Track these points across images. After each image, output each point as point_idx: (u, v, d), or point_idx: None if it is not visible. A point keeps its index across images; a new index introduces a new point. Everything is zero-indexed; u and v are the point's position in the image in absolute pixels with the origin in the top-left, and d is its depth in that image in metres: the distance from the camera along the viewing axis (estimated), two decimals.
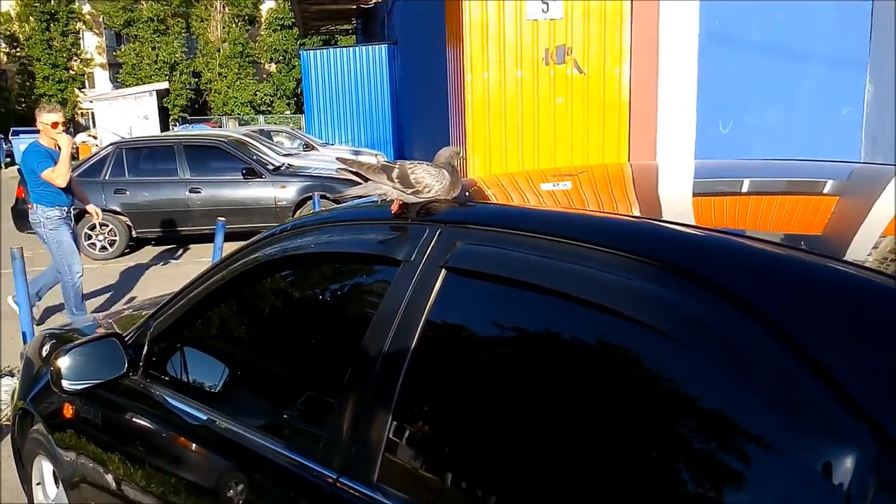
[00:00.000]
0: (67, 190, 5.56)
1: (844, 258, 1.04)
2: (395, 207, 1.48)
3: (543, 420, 1.14)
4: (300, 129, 22.81)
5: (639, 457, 1.01)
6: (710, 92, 6.65)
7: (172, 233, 9.47)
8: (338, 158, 1.49)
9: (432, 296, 1.29)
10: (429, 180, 1.44)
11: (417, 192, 1.44)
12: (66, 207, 5.60)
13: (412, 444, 1.28)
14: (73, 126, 38.75)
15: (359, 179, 1.50)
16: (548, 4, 6.48)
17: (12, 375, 4.75)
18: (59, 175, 5.33)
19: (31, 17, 36.93)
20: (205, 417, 1.71)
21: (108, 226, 9.19)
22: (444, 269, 1.30)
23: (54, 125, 5.46)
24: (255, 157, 9.85)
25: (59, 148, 5.43)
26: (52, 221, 5.49)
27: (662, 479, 0.97)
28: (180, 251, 9.44)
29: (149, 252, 9.60)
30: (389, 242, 1.44)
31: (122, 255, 9.31)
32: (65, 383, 1.91)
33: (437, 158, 1.49)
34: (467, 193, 1.54)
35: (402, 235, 1.43)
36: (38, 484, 2.65)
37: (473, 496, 1.18)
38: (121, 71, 39.40)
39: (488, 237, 1.29)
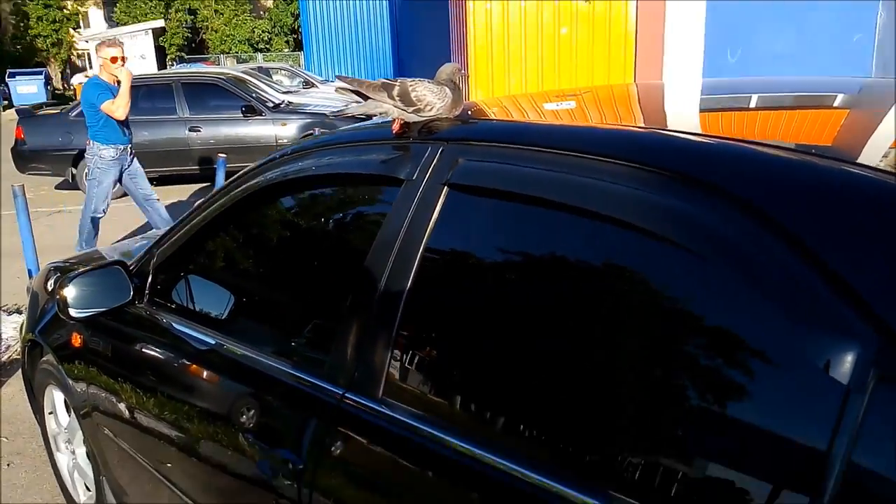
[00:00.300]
0: (126, 128, 5.57)
1: (850, 160, 1.02)
2: (395, 127, 1.45)
3: (549, 335, 1.15)
4: (299, 66, 22.42)
5: (649, 363, 1.01)
6: (718, 20, 6.49)
7: (173, 172, 9.42)
8: (337, 77, 1.46)
9: (435, 214, 1.28)
10: (430, 98, 1.41)
11: (419, 111, 1.42)
12: (121, 146, 5.61)
13: (416, 362, 1.29)
14: (69, 67, 38.15)
15: (359, 98, 1.47)
16: None
17: (20, 312, 4.80)
18: (118, 107, 5.35)
19: None
20: (212, 342, 1.73)
21: None
22: (446, 187, 1.29)
23: (113, 59, 5.44)
24: (254, 95, 9.72)
25: (119, 83, 5.44)
26: (103, 161, 5.54)
27: (671, 382, 0.98)
28: (182, 190, 9.41)
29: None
30: (391, 162, 1.43)
31: (125, 194, 9.27)
32: (72, 311, 1.92)
33: (439, 75, 1.46)
34: (469, 113, 1.51)
35: (404, 154, 1.41)
36: (50, 413, 2.71)
37: (478, 411, 1.19)
38: (115, 9, 38.50)
39: (492, 153, 1.27)
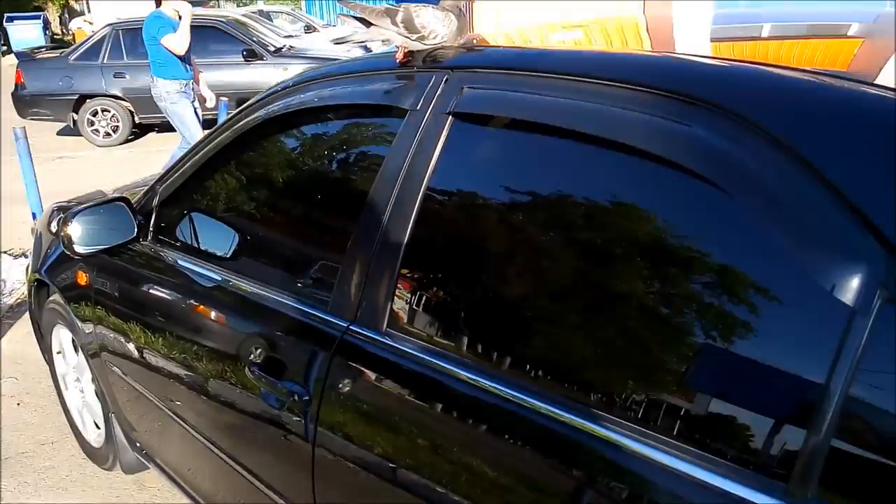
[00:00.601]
0: (187, 64, 5.59)
1: (861, 80, 1.00)
2: (399, 55, 1.42)
3: (554, 265, 1.14)
4: (301, 10, 21.96)
5: (655, 290, 1.00)
6: None
7: None
8: (339, 2, 1.42)
9: (440, 144, 1.26)
10: (435, 25, 1.37)
11: (423, 38, 1.38)
12: (185, 81, 5.66)
13: (420, 294, 1.29)
14: (66, 11, 37.46)
15: (362, 25, 1.43)
16: None
17: (26, 257, 4.82)
18: (178, 41, 5.28)
19: None
20: (218, 278, 1.73)
21: (109, 111, 9.06)
22: (451, 116, 1.26)
23: None
24: (255, 39, 9.54)
25: (181, 17, 5.43)
26: (171, 95, 5.59)
27: (676, 307, 0.97)
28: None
29: (153, 138, 9.52)
30: (394, 91, 1.40)
31: (127, 141, 9.23)
32: (77, 247, 1.92)
33: (443, 1, 1.41)
34: (474, 41, 1.47)
35: (408, 83, 1.39)
36: (58, 353, 2.74)
37: (482, 342, 1.19)
38: None
39: (498, 80, 1.24)
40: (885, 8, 1.56)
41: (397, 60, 1.43)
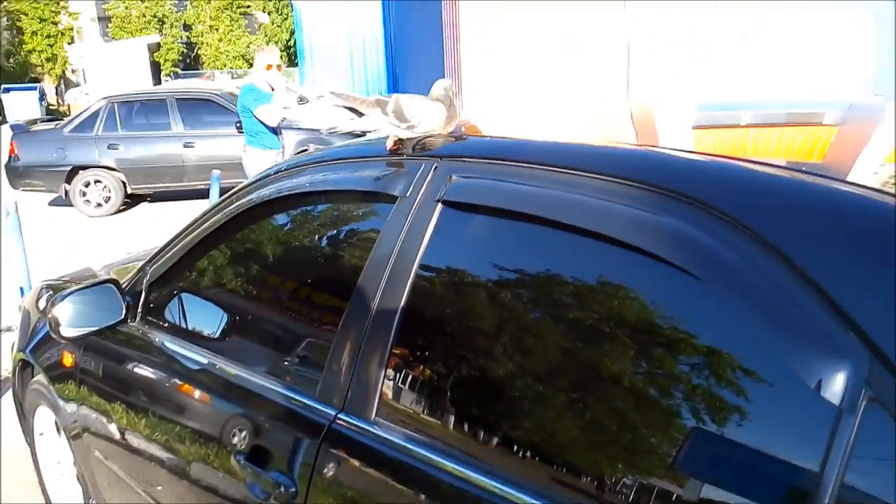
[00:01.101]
0: (277, 134, 5.66)
1: (841, 179, 1.03)
2: (389, 143, 1.45)
3: (543, 354, 1.14)
4: (294, 81, 22.48)
5: (641, 382, 1.01)
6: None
7: (167, 188, 9.40)
8: (331, 93, 1.46)
9: (429, 231, 1.28)
10: (424, 114, 1.41)
11: (413, 127, 1.41)
12: (275, 150, 5.69)
13: (409, 381, 1.28)
14: (63, 82, 38.16)
15: (353, 115, 1.47)
16: None
17: (10, 330, 4.77)
18: (270, 114, 5.35)
19: None
20: (205, 361, 1.71)
21: (102, 182, 9.13)
22: (440, 204, 1.28)
23: (268, 66, 5.53)
24: None
25: (273, 89, 5.50)
26: (262, 164, 5.57)
27: (664, 400, 0.97)
28: (177, 207, 9.39)
29: (145, 209, 9.57)
30: (385, 178, 1.42)
31: (118, 212, 9.27)
32: (63, 330, 1.90)
33: (433, 91, 1.46)
34: (463, 129, 1.51)
35: (398, 171, 1.41)
36: (40, 434, 2.68)
37: (470, 431, 1.18)
38: (110, 25, 38.62)
39: (485, 169, 1.27)
40: (857, 97, 1.62)
41: (388, 148, 1.46)
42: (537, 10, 6.35)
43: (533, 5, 6.28)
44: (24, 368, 2.68)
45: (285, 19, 38.16)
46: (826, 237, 0.86)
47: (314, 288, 1.62)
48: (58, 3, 37.37)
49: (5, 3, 36.61)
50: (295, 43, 20.31)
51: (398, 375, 1.29)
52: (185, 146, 9.19)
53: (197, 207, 8.60)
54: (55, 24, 37.33)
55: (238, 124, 9.22)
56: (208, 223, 1.83)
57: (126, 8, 37.98)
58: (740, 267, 0.89)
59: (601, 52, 6.48)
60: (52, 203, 9.89)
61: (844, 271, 0.82)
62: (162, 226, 7.26)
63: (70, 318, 1.90)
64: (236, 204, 1.75)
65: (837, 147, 1.32)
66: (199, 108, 9.53)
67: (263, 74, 5.51)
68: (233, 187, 1.85)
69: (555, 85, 6.44)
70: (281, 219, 1.77)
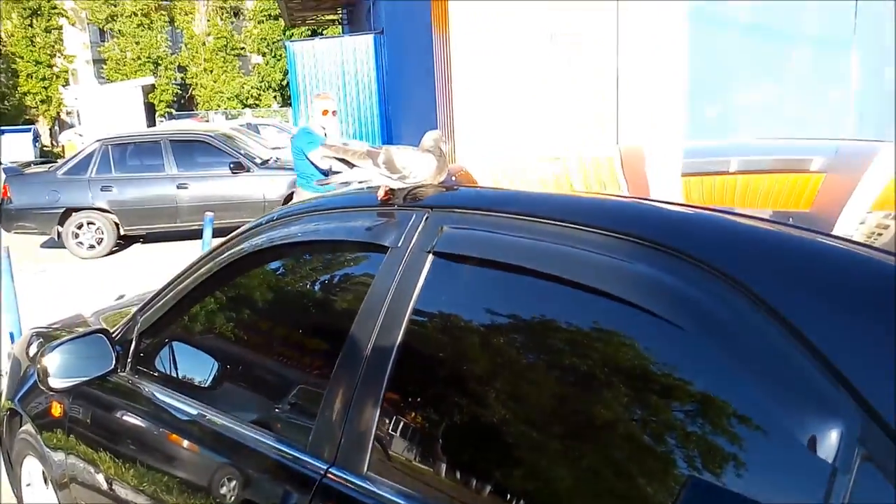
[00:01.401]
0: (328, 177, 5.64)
1: (831, 233, 1.03)
2: (381, 193, 1.46)
3: (534, 406, 1.13)
4: (288, 122, 22.68)
5: (630, 436, 1.00)
6: (698, 73, 6.64)
7: (161, 229, 9.41)
8: (322, 145, 1.47)
9: (420, 282, 1.28)
10: (414, 165, 1.42)
11: (403, 178, 1.42)
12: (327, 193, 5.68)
13: (402, 433, 1.27)
14: (57, 124, 38.35)
15: (344, 166, 1.48)
16: None
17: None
18: (323, 157, 5.39)
19: (13, 14, 36.43)
20: (194, 412, 1.69)
21: (95, 223, 9.12)
22: (431, 255, 1.28)
23: (324, 112, 5.61)
24: (242, 152, 9.79)
25: (327, 134, 5.56)
26: None
27: (654, 455, 0.96)
28: (169, 248, 9.38)
29: (138, 250, 9.55)
30: (376, 229, 1.43)
31: (110, 253, 9.25)
32: (52, 381, 1.88)
33: (423, 143, 1.47)
34: (454, 178, 1.52)
35: (389, 221, 1.42)
36: (27, 485, 2.63)
37: (464, 485, 1.17)
38: (105, 67, 39.02)
39: (476, 220, 1.27)
40: (843, 143, 1.64)
41: (379, 198, 1.46)
42: (525, 16, 6.45)
43: (522, 5, 6.40)
44: (11, 418, 2.65)
45: (279, 60, 38.69)
46: (817, 292, 0.86)
47: (306, 339, 1.61)
48: (53, 46, 37.78)
49: (0, 47, 37.01)
50: (288, 84, 20.52)
51: (391, 428, 1.28)
52: (178, 187, 9.22)
53: (190, 248, 8.62)
54: (50, 66, 37.68)
55: (232, 165, 9.32)
56: (200, 272, 1.83)
57: (121, 50, 38.42)
58: (729, 321, 0.89)
59: (594, 57, 6.57)
60: (45, 245, 9.87)
61: (836, 329, 0.82)
62: (154, 267, 7.24)
63: (59, 369, 1.88)
64: (228, 253, 1.75)
65: (824, 194, 1.33)
66: (192, 150, 9.59)
67: (319, 119, 5.63)
68: (226, 228, 1.85)
69: (546, 102, 6.53)
70: (273, 268, 1.77)
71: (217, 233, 6.25)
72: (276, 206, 9.09)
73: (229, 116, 33.11)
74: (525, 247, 1.16)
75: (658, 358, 0.99)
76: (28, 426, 2.43)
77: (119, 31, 38.74)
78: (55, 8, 38.17)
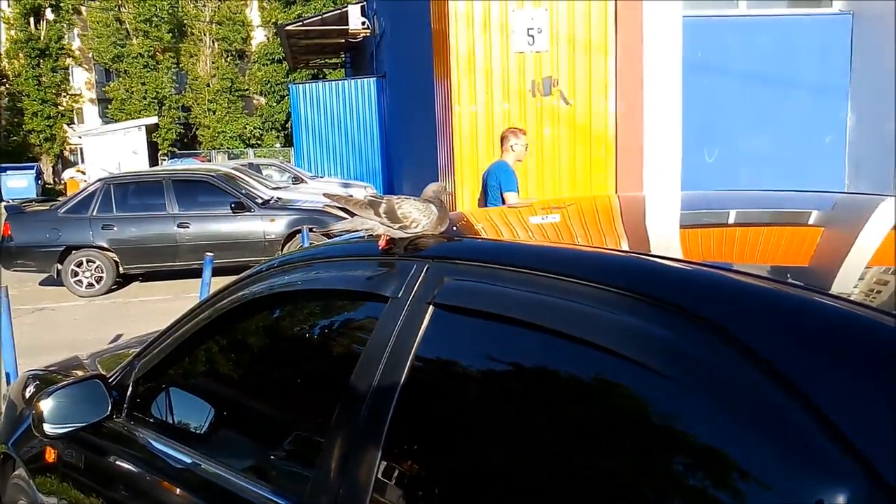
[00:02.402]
0: None
1: (832, 290, 1.04)
2: (382, 243, 1.46)
3: (535, 457, 1.12)
4: (289, 161, 22.87)
5: (630, 493, 0.99)
6: (694, 120, 6.73)
7: (160, 268, 9.42)
8: (325, 194, 1.48)
9: (420, 332, 1.28)
10: (416, 215, 1.43)
11: (405, 227, 1.43)
12: None
13: (402, 484, 1.26)
14: (61, 162, 38.67)
15: (346, 215, 1.49)
16: (533, 37, 6.57)
17: None
18: (516, 200, 5.28)
19: (20, 54, 37.02)
20: (189, 461, 1.68)
21: (94, 262, 9.13)
22: (431, 306, 1.29)
23: (526, 147, 5.55)
24: (243, 191, 9.85)
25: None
26: None
27: None
28: (168, 287, 9.37)
29: (136, 289, 9.54)
30: (376, 279, 1.43)
31: (109, 291, 9.24)
32: (46, 427, 1.86)
33: (425, 193, 1.48)
34: (455, 228, 1.53)
35: (390, 271, 1.42)
36: None
37: None
38: (110, 106, 39.49)
39: (476, 272, 1.28)
40: (841, 196, 1.65)
41: (380, 247, 1.47)
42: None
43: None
44: (4, 461, 2.61)
45: (281, 102, 39.21)
46: (820, 354, 0.86)
47: (304, 388, 1.61)
48: (59, 86, 38.29)
49: (7, 85, 37.50)
50: (291, 124, 20.75)
51: (390, 479, 1.26)
52: (179, 226, 9.26)
53: (188, 286, 8.58)
54: (56, 105, 38.14)
55: (233, 204, 9.37)
56: (199, 318, 1.82)
57: (126, 90, 38.93)
58: (730, 380, 0.88)
59: (590, 104, 6.65)
60: (43, 283, 9.85)
61: (839, 390, 0.82)
62: (151, 307, 7.22)
63: (54, 415, 1.86)
64: (228, 299, 1.75)
65: (823, 249, 1.34)
66: (194, 189, 9.65)
67: (520, 154, 5.50)
68: (226, 267, 1.85)
69: (544, 149, 6.59)
70: (272, 316, 1.77)
71: (218, 272, 6.26)
72: (277, 245, 9.15)
73: (231, 156, 33.39)
74: (525, 300, 1.16)
75: (657, 413, 0.99)
76: (21, 470, 2.40)
77: (125, 71, 39.31)
78: (63, 48, 38.80)
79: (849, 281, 1.15)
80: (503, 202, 5.29)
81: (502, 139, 5.59)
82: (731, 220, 1.58)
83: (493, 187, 5.46)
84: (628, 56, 6.55)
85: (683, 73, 6.59)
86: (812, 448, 0.80)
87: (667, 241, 1.50)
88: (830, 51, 6.85)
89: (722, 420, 0.89)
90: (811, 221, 1.53)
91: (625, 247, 1.47)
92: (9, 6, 37.62)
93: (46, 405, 1.86)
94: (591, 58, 6.55)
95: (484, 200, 5.61)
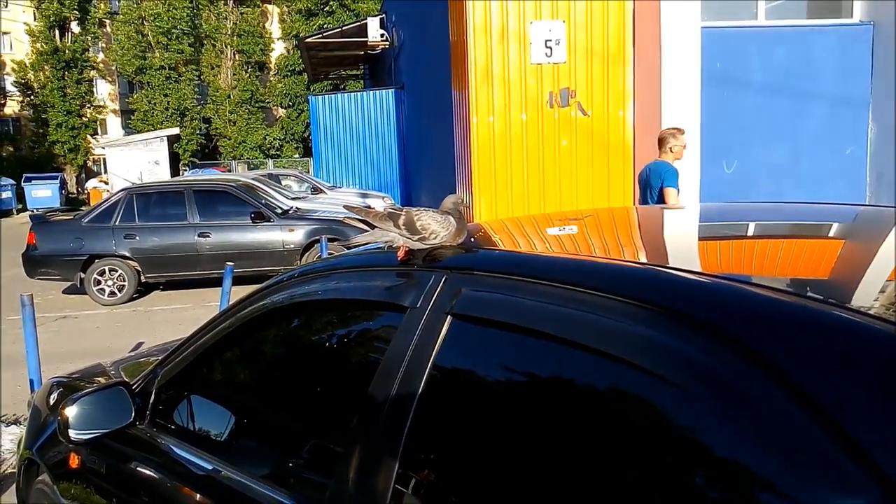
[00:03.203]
0: None
1: (850, 303, 1.04)
2: (401, 254, 1.48)
3: (552, 467, 1.13)
4: (308, 172, 23.04)
5: (648, 498, 0.99)
6: (713, 132, 6.70)
7: (181, 277, 9.52)
8: (345, 206, 1.51)
9: (438, 343, 1.29)
10: (434, 227, 1.45)
11: (423, 239, 1.45)
12: None
13: (419, 492, 1.27)
14: (84, 172, 39.22)
15: (365, 227, 1.51)
16: (551, 49, 6.59)
17: (18, 423, 4.73)
18: (675, 198, 5.31)
19: (45, 66, 37.69)
20: (210, 468, 1.70)
21: (117, 270, 9.25)
22: (449, 316, 1.30)
23: (685, 147, 5.55)
24: (263, 201, 9.94)
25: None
26: None
27: None
28: (189, 296, 9.46)
29: (157, 297, 9.64)
30: (395, 289, 1.45)
31: (131, 300, 9.35)
32: (72, 433, 1.90)
33: (444, 205, 1.50)
34: (473, 239, 1.54)
35: (408, 282, 1.44)
36: None
37: None
38: (133, 117, 40.04)
39: (494, 283, 1.29)
40: (862, 209, 1.64)
41: (399, 258, 1.49)
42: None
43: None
44: (29, 467, 2.65)
45: (301, 113, 39.53)
46: (834, 366, 0.86)
47: (324, 397, 1.62)
48: (83, 97, 38.89)
49: (32, 97, 38.14)
50: (311, 135, 20.91)
51: (408, 488, 1.27)
52: (199, 236, 9.36)
53: (208, 295, 8.65)
54: (80, 116, 38.72)
55: (252, 214, 9.46)
56: (221, 327, 1.85)
57: (149, 102, 39.46)
58: (748, 393, 0.89)
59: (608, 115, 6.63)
60: (66, 291, 9.99)
61: (857, 404, 0.82)
62: (172, 315, 7.28)
63: (79, 422, 1.90)
64: (249, 309, 1.78)
65: (843, 262, 1.33)
66: (215, 199, 9.76)
67: (671, 156, 5.47)
68: (246, 276, 1.88)
69: (563, 160, 6.58)
70: (292, 326, 1.79)
71: (237, 281, 6.31)
72: (296, 254, 9.22)
73: (251, 166, 33.68)
74: (542, 311, 1.17)
75: (674, 425, 0.99)
76: (45, 476, 2.43)
77: (148, 83, 39.86)
78: (88, 61, 39.42)
79: (869, 294, 1.15)
80: (663, 201, 5.25)
81: (660, 141, 5.56)
82: (750, 233, 1.58)
83: (655, 187, 5.41)
84: (646, 67, 6.54)
85: (702, 84, 6.57)
86: (826, 458, 0.80)
87: (685, 253, 1.51)
88: (851, 61, 6.80)
89: (737, 431, 0.89)
90: (831, 234, 1.52)
91: (643, 258, 1.47)
92: (35, 19, 38.34)
93: (72, 411, 1.89)
94: (609, 69, 6.56)
95: (644, 199, 5.58)
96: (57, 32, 38.30)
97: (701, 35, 6.53)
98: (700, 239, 1.58)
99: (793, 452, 0.83)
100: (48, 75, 37.91)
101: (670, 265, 1.23)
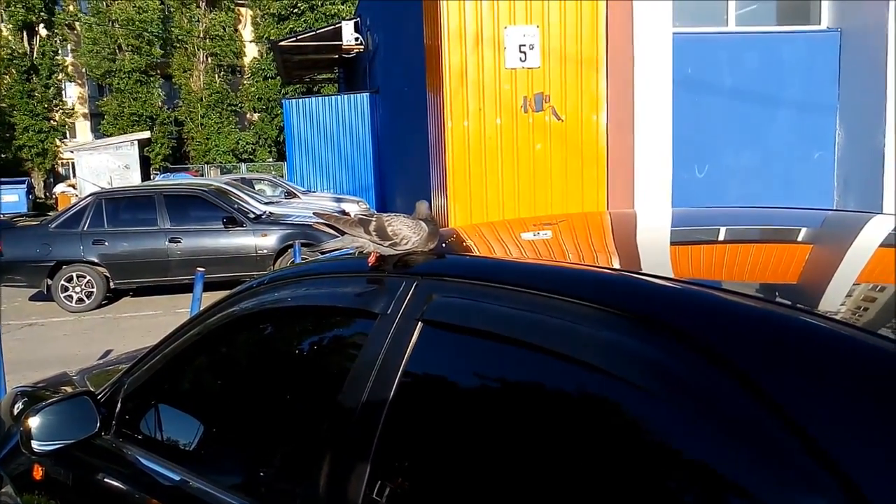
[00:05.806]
0: None
1: (818, 308, 1.04)
2: (371, 260, 1.47)
3: (522, 472, 1.12)
4: (282, 176, 22.88)
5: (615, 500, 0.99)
6: (684, 136, 6.78)
7: (151, 283, 9.38)
8: (314, 213, 1.48)
9: (409, 349, 1.28)
10: (406, 232, 1.43)
11: (395, 245, 1.44)
12: None
13: (390, 499, 1.25)
14: (52, 176, 38.56)
15: (337, 233, 1.49)
16: (525, 54, 6.62)
17: None
18: None
19: (11, 69, 36.99)
20: (178, 478, 1.66)
21: (85, 277, 9.09)
22: (420, 322, 1.29)
23: None
24: (235, 206, 9.83)
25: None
26: None
27: None
28: (159, 302, 9.33)
29: (127, 303, 9.49)
30: (366, 296, 1.43)
31: (100, 306, 9.19)
32: (35, 444, 1.85)
33: (416, 211, 1.49)
34: (444, 245, 1.53)
35: (379, 288, 1.42)
36: None
37: None
38: (102, 121, 39.49)
39: (465, 290, 1.28)
40: (830, 214, 1.67)
41: (369, 263, 1.47)
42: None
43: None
44: None
45: (274, 117, 39.29)
46: (803, 372, 0.86)
47: (294, 405, 1.60)
48: (51, 101, 38.24)
49: None
50: (284, 139, 20.79)
51: (380, 495, 1.26)
52: (170, 241, 9.23)
53: (179, 301, 8.53)
54: (48, 119, 38.06)
55: (224, 219, 9.35)
56: (189, 335, 1.82)
57: (119, 105, 38.91)
58: (712, 396, 0.89)
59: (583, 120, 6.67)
60: (33, 298, 9.80)
61: (822, 409, 0.82)
62: (141, 322, 7.16)
63: (42, 433, 1.85)
64: (218, 316, 1.75)
65: (811, 266, 1.35)
66: (186, 204, 9.62)
67: None
68: (218, 282, 1.85)
69: (536, 165, 6.61)
70: (262, 333, 1.76)
71: (209, 287, 6.24)
72: (269, 260, 9.13)
73: (224, 170, 33.38)
74: (513, 317, 1.16)
75: (642, 429, 0.99)
76: (8, 488, 2.37)
77: (117, 86, 39.30)
78: (58, 65, 38.77)
79: (836, 299, 1.15)
80: None
81: None
82: (720, 238, 1.59)
83: None
84: (619, 72, 6.60)
85: (674, 89, 6.64)
86: (791, 460, 0.80)
87: (657, 259, 1.51)
88: (819, 67, 6.93)
89: (702, 434, 0.89)
90: (800, 239, 1.54)
91: (615, 264, 1.47)
92: (1, 21, 37.65)
93: (34, 422, 1.84)
94: (583, 73, 6.60)
95: None
96: (25, 35, 37.64)
97: (673, 41, 6.60)
98: (672, 244, 1.58)
99: (758, 455, 0.83)
100: (15, 78, 37.21)
101: (641, 271, 1.23)
